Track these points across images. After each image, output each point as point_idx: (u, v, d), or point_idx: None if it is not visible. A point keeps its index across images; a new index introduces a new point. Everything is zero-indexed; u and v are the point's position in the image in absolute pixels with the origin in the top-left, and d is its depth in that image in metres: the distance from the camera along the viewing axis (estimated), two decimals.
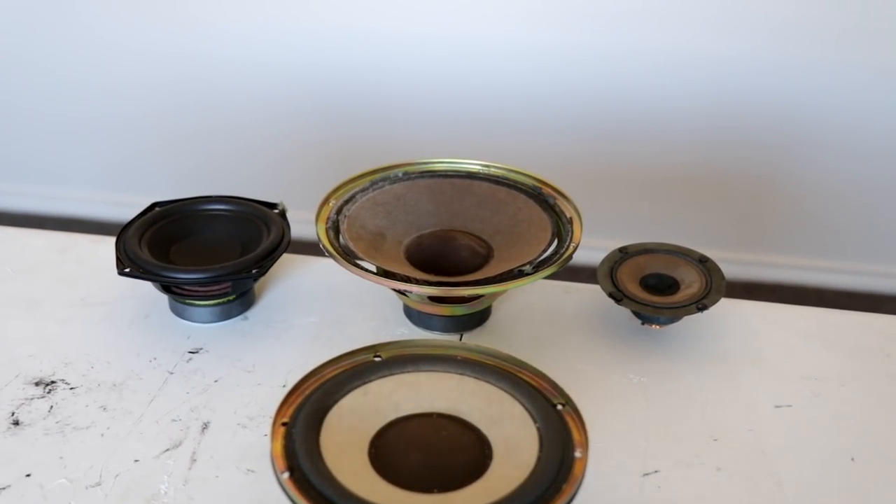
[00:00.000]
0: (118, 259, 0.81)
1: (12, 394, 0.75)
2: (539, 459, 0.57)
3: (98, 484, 0.66)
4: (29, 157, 2.20)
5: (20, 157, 2.20)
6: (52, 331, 0.83)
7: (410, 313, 0.85)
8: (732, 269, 2.03)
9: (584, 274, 1.28)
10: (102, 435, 0.71)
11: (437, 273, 0.80)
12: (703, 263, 0.85)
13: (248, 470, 0.68)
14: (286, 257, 0.92)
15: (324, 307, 0.87)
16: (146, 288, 0.87)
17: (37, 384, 0.77)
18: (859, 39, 1.79)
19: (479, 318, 0.85)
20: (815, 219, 2.00)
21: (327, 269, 0.91)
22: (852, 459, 0.71)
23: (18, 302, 0.87)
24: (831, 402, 0.77)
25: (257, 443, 0.71)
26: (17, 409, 0.74)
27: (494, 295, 0.83)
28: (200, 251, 0.86)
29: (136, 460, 0.69)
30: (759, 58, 1.83)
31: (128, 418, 0.73)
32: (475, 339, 0.83)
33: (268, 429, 0.72)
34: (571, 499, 0.55)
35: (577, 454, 0.57)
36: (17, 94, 2.11)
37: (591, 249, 1.12)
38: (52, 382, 0.77)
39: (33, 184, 2.22)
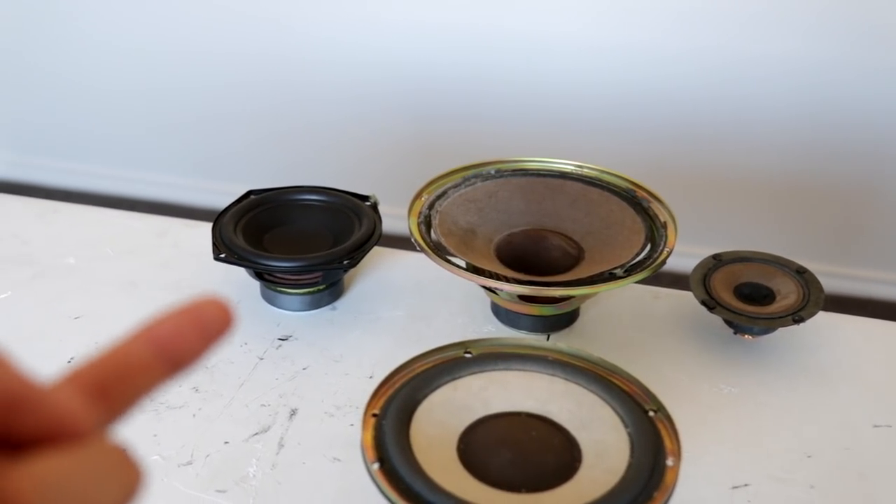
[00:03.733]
0: (214, 245, 0.82)
1: None
2: (630, 465, 0.56)
3: (189, 463, 0.68)
4: (126, 144, 2.26)
5: (118, 143, 2.27)
6: (148, 312, 0.85)
7: (498, 311, 0.85)
8: (824, 282, 1.97)
9: (667, 279, 1.26)
10: (194, 415, 0.73)
11: (525, 272, 0.80)
12: (801, 275, 0.83)
13: (335, 458, 0.69)
14: (375, 250, 0.92)
15: (411, 301, 0.88)
16: (239, 274, 0.88)
17: None
18: None
19: (566, 319, 0.84)
20: None
21: (415, 264, 0.91)
22: None
23: (117, 282, 0.90)
24: None
25: (344, 432, 0.71)
26: None
27: (584, 297, 0.82)
28: (293, 240, 0.87)
29: (226, 442, 0.70)
30: (866, 64, 1.77)
31: (218, 400, 0.74)
32: (562, 340, 0.82)
33: (354, 419, 0.73)
34: None
35: (670, 462, 0.56)
36: (119, 85, 2.17)
37: (679, 256, 1.10)
38: None
39: (128, 168, 2.28)
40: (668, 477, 0.55)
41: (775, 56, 1.80)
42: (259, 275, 0.84)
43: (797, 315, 0.78)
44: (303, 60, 2.03)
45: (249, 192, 0.90)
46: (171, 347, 0.28)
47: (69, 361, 0.78)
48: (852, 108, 1.82)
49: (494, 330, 0.84)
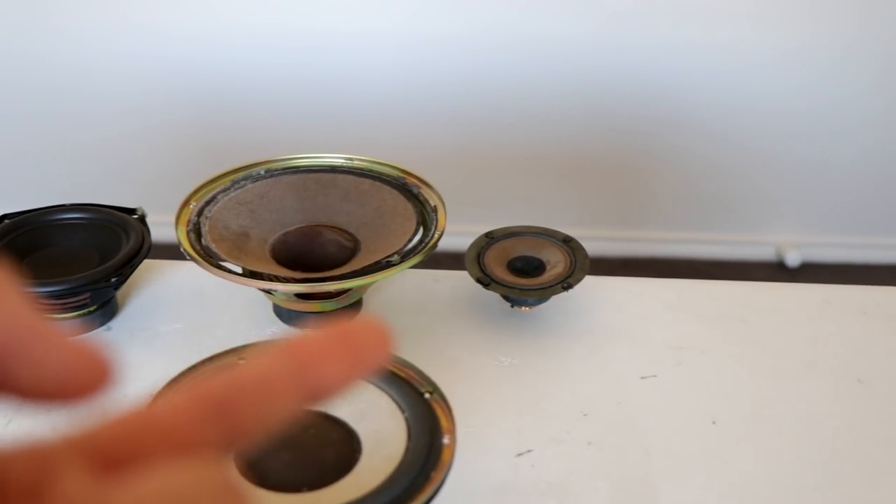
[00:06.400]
0: None
1: None
2: (407, 449, 0.57)
3: None
4: None
5: None
6: None
7: (280, 312, 0.84)
8: (610, 246, 2.09)
9: (449, 262, 1.29)
10: None
11: (305, 270, 0.79)
12: (567, 243, 0.87)
13: None
14: (149, 263, 0.89)
15: (191, 312, 0.85)
16: None
17: None
18: (711, 21, 1.86)
19: (350, 313, 0.85)
20: (685, 194, 2.07)
21: (193, 274, 0.89)
22: (713, 423, 0.73)
23: None
24: (693, 370, 0.79)
25: None
26: None
27: (363, 288, 0.82)
28: (56, 263, 0.83)
29: None
30: (623, 40, 1.88)
31: None
32: None
33: None
34: (440, 485, 0.55)
35: (446, 440, 0.58)
36: None
37: (459, 236, 1.13)
38: None
39: None
40: (445, 455, 0.57)
41: (535, 35, 1.87)
42: None
43: (566, 282, 0.82)
44: (51, 66, 1.92)
45: (3, 217, 0.85)
46: (314, 370, 0.24)
47: None
48: (617, 82, 1.92)
49: (278, 331, 0.83)
